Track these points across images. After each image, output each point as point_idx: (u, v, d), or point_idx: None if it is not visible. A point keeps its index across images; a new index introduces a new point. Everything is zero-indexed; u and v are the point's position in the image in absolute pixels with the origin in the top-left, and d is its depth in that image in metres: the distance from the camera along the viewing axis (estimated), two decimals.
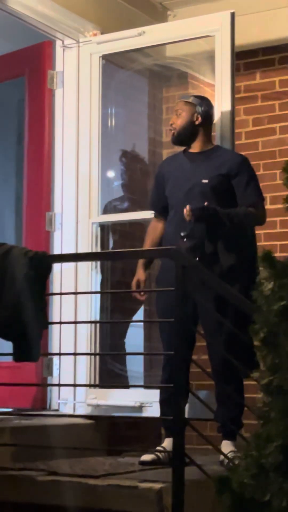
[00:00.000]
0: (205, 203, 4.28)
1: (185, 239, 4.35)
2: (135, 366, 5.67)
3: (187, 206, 4.27)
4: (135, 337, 5.69)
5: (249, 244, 4.49)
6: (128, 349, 5.68)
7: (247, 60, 5.86)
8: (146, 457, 4.26)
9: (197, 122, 4.56)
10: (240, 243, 4.41)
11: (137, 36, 5.26)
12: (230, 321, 4.13)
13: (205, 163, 4.52)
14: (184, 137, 4.58)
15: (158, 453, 4.27)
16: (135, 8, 5.74)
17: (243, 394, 4.38)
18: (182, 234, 4.35)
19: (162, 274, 4.53)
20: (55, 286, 5.22)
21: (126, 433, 4.97)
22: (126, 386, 5.43)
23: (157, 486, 3.59)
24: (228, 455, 4.05)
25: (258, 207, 4.49)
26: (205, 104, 4.59)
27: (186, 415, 3.73)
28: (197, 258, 4.27)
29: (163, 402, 4.41)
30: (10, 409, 5.04)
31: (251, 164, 4.61)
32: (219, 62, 4.98)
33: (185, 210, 4.27)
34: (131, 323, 5.79)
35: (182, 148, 4.66)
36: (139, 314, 5.79)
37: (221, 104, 4.92)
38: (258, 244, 5.30)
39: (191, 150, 4.61)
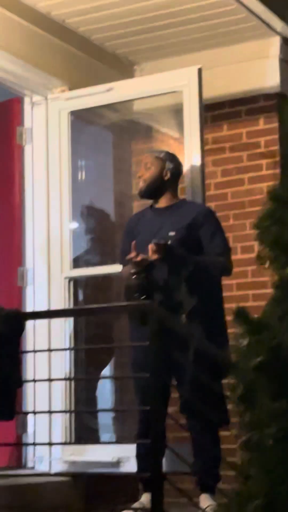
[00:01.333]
0: (168, 242, 4.30)
1: (133, 276, 4.34)
2: (108, 420, 5.64)
3: (151, 244, 4.28)
4: (104, 390, 5.67)
5: (214, 289, 4.48)
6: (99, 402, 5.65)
7: (214, 112, 5.91)
8: None
9: (165, 178, 4.60)
10: (204, 288, 4.38)
11: (105, 92, 5.32)
12: (202, 372, 4.12)
13: (171, 217, 4.54)
14: (152, 190, 4.61)
15: (137, 510, 4.23)
16: (101, 63, 5.80)
17: (220, 446, 4.36)
18: (132, 271, 4.35)
19: (134, 326, 4.51)
20: (28, 343, 5.18)
21: (104, 488, 4.91)
22: (102, 442, 5.40)
23: None
24: (206, 509, 4.02)
25: (225, 257, 4.51)
26: (175, 161, 4.65)
27: (164, 468, 3.70)
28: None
29: (140, 456, 4.37)
30: None
31: (219, 215, 4.65)
32: (188, 116, 5.04)
33: (149, 248, 4.28)
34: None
35: (150, 202, 4.69)
36: (108, 367, 5.79)
37: (191, 157, 4.98)
38: (230, 293, 5.35)
39: (157, 206, 4.64)
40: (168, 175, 4.60)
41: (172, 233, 4.46)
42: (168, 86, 5.18)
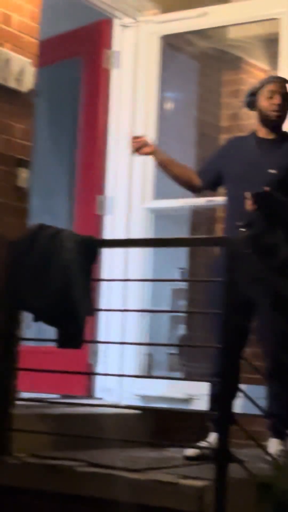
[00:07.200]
0: (265, 189, 4.09)
1: (241, 229, 4.16)
2: (185, 357, 5.57)
3: (248, 195, 4.09)
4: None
5: None
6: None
7: None
8: (191, 452, 4.14)
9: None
10: None
11: (199, 17, 5.14)
12: (284, 318, 3.97)
13: (274, 152, 4.34)
14: (283, 122, 4.41)
15: (202, 448, 4.15)
16: None
17: None
18: (238, 223, 4.17)
19: (216, 263, 4.37)
20: (105, 272, 5.11)
21: (173, 425, 4.86)
22: (174, 378, 5.33)
23: (199, 483, 3.47)
24: (274, 454, 3.92)
25: None
26: None
27: (239, 409, 3.60)
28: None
29: (212, 396, 4.27)
30: (54, 396, 4.96)
31: None
32: (284, 46, 4.83)
33: (247, 202, 4.10)
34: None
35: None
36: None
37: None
38: None
39: (262, 135, 4.41)
40: None
41: (272, 171, 4.26)
42: (265, 13, 4.97)
